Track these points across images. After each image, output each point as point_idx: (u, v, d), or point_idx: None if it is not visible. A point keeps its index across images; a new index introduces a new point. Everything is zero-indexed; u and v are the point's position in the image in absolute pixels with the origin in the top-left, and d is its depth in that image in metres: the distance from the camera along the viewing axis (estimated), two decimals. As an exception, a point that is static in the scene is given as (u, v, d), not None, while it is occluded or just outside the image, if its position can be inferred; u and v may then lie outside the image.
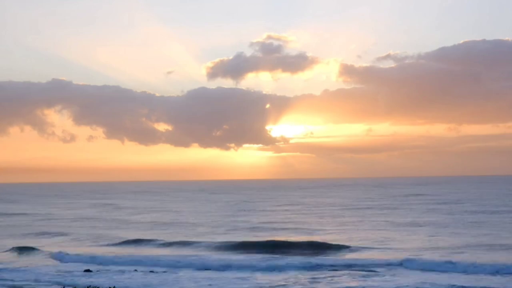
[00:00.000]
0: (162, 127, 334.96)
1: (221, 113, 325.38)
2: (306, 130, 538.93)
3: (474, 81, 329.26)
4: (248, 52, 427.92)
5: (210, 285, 33.97)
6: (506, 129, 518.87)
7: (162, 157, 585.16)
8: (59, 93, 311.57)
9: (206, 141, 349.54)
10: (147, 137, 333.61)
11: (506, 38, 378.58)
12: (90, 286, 30.14)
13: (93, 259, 44.71)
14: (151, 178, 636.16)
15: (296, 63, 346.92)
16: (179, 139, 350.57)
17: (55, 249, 50.04)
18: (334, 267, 39.23)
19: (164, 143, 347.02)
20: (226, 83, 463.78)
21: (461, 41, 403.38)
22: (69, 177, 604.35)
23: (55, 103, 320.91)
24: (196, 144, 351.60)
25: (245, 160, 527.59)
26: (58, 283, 34.99)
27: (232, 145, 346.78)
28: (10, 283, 35.67)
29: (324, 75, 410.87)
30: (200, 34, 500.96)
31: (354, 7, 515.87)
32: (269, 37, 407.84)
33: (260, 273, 38.16)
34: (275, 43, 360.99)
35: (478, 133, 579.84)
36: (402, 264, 38.96)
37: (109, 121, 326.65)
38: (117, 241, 56.68)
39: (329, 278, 35.20)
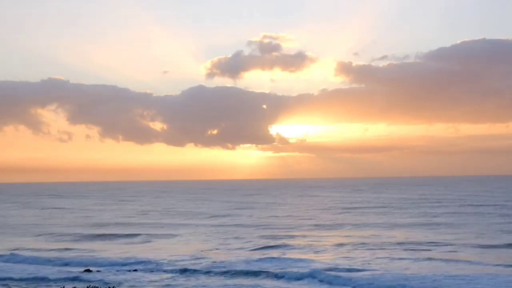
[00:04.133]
0: (158, 126, 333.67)
1: (219, 112, 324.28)
2: (305, 129, 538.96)
3: (473, 80, 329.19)
4: (246, 52, 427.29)
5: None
6: (504, 129, 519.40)
7: (159, 157, 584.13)
8: (56, 92, 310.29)
9: (203, 141, 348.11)
10: (143, 136, 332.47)
11: (506, 38, 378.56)
12: (90, 286, 28.32)
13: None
14: (148, 178, 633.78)
15: (295, 62, 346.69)
16: (176, 139, 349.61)
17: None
18: None
19: (161, 143, 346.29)
20: (225, 82, 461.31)
21: (459, 41, 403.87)
22: (64, 177, 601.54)
23: (51, 102, 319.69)
24: (192, 143, 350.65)
25: (243, 160, 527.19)
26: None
27: (229, 144, 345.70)
28: None
29: (322, 74, 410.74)
30: (198, 34, 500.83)
31: (352, 7, 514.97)
32: (267, 36, 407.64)
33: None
34: (273, 42, 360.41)
35: (477, 133, 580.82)
36: None
37: (105, 120, 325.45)
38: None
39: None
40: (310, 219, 72.98)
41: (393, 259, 39.33)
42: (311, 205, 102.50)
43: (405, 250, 43.50)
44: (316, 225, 64.37)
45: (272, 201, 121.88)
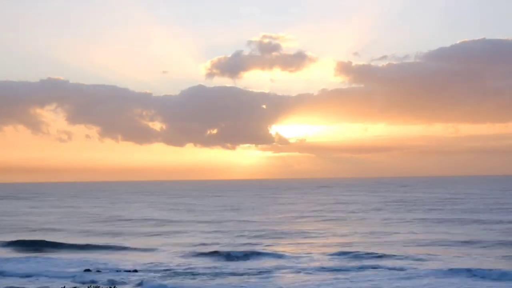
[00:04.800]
0: (157, 126, 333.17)
1: (218, 112, 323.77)
2: (305, 129, 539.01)
3: (473, 80, 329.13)
4: (246, 51, 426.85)
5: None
6: (504, 129, 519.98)
7: (158, 157, 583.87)
8: (55, 92, 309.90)
9: (203, 141, 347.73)
10: (143, 136, 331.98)
11: (506, 38, 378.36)
12: (90, 286, 28.04)
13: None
14: (147, 178, 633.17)
15: (294, 62, 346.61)
16: (175, 139, 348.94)
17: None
18: None
19: (160, 143, 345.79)
20: (225, 82, 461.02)
21: (459, 41, 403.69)
22: (64, 177, 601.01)
23: (50, 101, 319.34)
24: (192, 143, 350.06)
25: (243, 160, 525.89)
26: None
27: (229, 144, 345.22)
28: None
29: (322, 74, 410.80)
30: (198, 33, 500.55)
31: (352, 6, 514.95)
32: (266, 36, 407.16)
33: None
34: (273, 42, 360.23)
35: (477, 133, 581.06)
36: None
37: (104, 120, 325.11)
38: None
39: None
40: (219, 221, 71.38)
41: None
42: (260, 207, 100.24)
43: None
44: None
45: (225, 203, 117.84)
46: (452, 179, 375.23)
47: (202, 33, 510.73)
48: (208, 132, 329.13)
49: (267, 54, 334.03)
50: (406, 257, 40.77)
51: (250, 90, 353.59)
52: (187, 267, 38.72)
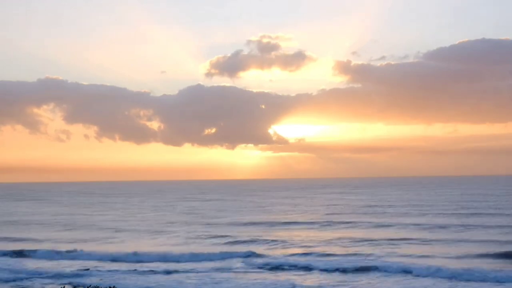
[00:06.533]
0: (155, 126, 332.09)
1: (217, 112, 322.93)
2: (304, 129, 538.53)
3: (472, 80, 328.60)
4: (245, 51, 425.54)
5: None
6: (503, 129, 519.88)
7: (157, 156, 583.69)
8: (53, 92, 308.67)
9: (201, 140, 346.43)
10: (140, 136, 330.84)
11: (506, 38, 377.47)
12: (90, 286, 27.14)
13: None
14: (146, 178, 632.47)
15: (293, 61, 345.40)
16: (173, 138, 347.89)
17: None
18: None
19: (158, 142, 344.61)
20: (224, 81, 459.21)
21: (458, 41, 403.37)
22: (62, 177, 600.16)
23: (49, 101, 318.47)
24: (190, 143, 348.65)
25: (242, 160, 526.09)
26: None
27: (228, 144, 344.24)
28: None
29: (321, 73, 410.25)
30: (197, 33, 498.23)
31: (351, 6, 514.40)
32: (266, 35, 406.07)
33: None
34: (272, 41, 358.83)
35: (476, 133, 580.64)
36: None
37: (102, 120, 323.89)
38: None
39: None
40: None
41: None
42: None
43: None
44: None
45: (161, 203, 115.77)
46: (450, 180, 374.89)
47: (201, 32, 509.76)
48: (207, 131, 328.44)
49: (266, 53, 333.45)
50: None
51: (249, 89, 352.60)
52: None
